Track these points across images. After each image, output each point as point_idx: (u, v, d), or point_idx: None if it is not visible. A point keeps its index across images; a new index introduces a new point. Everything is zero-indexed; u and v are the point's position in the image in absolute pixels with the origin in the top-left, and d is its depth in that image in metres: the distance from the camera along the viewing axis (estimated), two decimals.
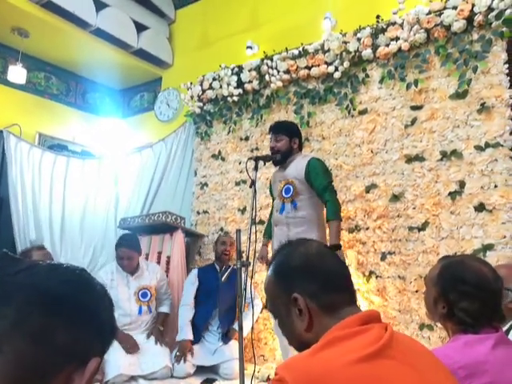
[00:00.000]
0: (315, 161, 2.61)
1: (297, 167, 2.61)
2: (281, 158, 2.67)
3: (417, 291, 2.65)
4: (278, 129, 2.70)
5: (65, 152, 4.26)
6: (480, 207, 2.53)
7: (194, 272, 3.26)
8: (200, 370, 2.98)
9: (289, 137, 2.67)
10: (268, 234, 2.90)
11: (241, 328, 2.01)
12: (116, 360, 2.75)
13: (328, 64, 3.20)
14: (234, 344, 3.03)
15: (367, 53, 3.01)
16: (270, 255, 2.89)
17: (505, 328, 1.78)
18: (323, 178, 2.53)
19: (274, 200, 2.86)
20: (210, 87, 3.86)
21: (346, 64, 3.11)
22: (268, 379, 2.85)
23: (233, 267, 2.43)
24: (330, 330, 0.78)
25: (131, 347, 2.86)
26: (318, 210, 2.61)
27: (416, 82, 2.83)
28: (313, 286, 0.84)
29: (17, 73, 3.96)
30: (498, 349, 1.11)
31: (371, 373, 0.69)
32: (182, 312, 3.13)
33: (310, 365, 0.71)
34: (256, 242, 2.92)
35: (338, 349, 0.73)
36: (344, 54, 3.11)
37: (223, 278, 2.37)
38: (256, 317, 2.93)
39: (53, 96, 4.56)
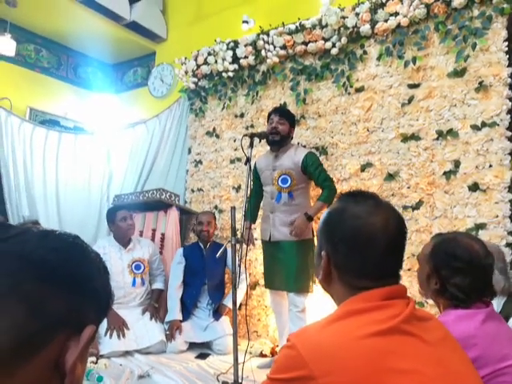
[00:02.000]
0: (313, 154, 2.78)
1: (293, 159, 2.71)
2: (279, 141, 2.73)
3: (409, 269, 2.68)
4: (283, 113, 2.79)
5: (57, 127, 4.19)
6: (474, 187, 2.54)
7: (180, 251, 3.26)
8: (194, 346, 3.02)
9: (290, 124, 2.78)
10: (251, 217, 2.88)
11: (235, 303, 2.02)
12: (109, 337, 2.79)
13: (325, 40, 3.14)
14: (225, 320, 3.08)
15: (365, 28, 2.94)
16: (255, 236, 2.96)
17: (498, 309, 1.83)
18: (323, 170, 2.72)
19: (256, 185, 2.90)
20: (205, 62, 3.78)
21: (344, 40, 3.05)
22: (261, 354, 2.90)
23: (225, 245, 2.46)
24: (347, 300, 0.77)
25: (117, 327, 2.83)
26: (309, 199, 2.81)
27: (414, 60, 2.78)
28: (342, 262, 0.81)
29: (6, 44, 3.84)
30: (487, 323, 1.13)
31: (384, 347, 0.68)
32: (171, 293, 3.14)
33: (323, 335, 0.71)
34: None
35: (353, 321, 0.72)
36: (342, 29, 3.04)
37: (217, 255, 2.38)
38: (243, 291, 2.95)
39: (43, 69, 4.45)
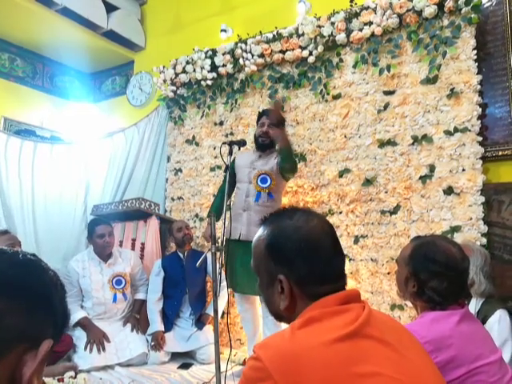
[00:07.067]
0: None
1: (273, 162, 2.71)
2: (268, 144, 2.72)
3: (388, 273, 2.73)
4: (274, 119, 2.72)
5: (33, 137, 4.10)
6: (449, 190, 2.61)
7: (158, 263, 3.22)
8: (176, 356, 2.99)
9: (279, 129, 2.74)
10: (216, 214, 2.61)
11: (216, 311, 2.01)
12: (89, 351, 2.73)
13: (302, 48, 3.19)
14: (208, 329, 3.05)
15: (341, 37, 3.01)
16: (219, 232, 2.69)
17: (476, 310, 1.88)
18: None
19: (225, 182, 2.58)
20: (184, 71, 3.78)
21: (320, 48, 3.10)
22: (244, 362, 2.89)
23: (206, 253, 2.42)
24: (306, 308, 0.78)
25: (97, 341, 2.79)
26: (281, 204, 2.80)
27: (388, 67, 2.86)
28: (303, 275, 0.81)
29: None
30: (462, 324, 1.16)
31: (348, 352, 0.69)
32: (151, 307, 3.10)
33: (286, 344, 0.71)
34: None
35: (315, 328, 0.73)
36: (318, 38, 3.10)
37: (198, 264, 2.36)
38: (225, 299, 2.92)
39: (18, 79, 4.36)
